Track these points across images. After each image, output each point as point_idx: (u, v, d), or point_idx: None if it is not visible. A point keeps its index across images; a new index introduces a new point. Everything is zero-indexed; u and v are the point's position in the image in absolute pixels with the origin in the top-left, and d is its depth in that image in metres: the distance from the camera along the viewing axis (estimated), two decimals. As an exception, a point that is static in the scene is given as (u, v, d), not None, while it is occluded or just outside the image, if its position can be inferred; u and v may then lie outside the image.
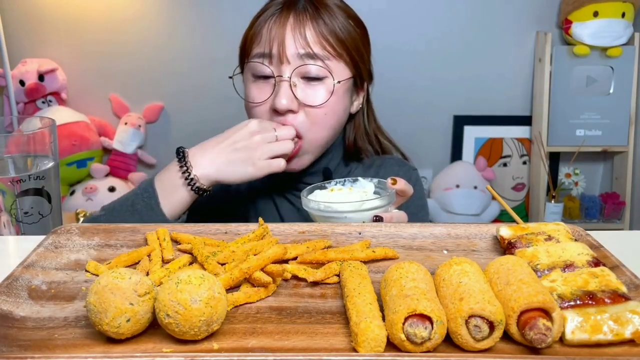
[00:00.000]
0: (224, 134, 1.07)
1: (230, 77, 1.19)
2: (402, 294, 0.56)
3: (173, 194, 1.02)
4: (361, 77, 1.19)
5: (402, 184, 0.95)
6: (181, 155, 1.04)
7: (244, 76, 1.18)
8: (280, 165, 1.05)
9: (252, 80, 1.14)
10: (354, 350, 0.54)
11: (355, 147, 1.25)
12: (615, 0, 2.52)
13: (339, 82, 1.11)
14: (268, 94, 1.11)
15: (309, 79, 1.10)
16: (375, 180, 0.99)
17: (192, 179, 1.02)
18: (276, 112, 1.10)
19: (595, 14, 2.52)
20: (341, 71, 1.12)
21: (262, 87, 1.12)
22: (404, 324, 0.53)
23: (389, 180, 0.94)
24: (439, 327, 0.52)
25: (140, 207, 1.01)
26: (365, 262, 0.71)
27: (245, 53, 1.16)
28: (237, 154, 1.04)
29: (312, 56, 1.09)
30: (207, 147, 1.06)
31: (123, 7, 2.57)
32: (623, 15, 2.54)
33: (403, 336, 0.52)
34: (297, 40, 1.08)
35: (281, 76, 1.09)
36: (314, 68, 1.09)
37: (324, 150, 1.19)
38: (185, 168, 1.02)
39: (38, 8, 2.55)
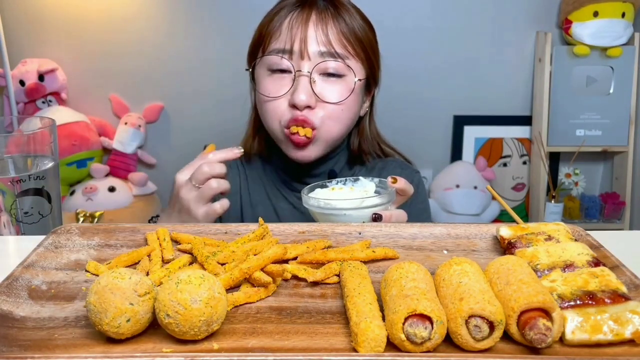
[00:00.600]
0: (172, 200, 1.08)
1: (247, 70, 1.19)
2: (402, 294, 0.56)
3: None
4: (374, 79, 1.20)
5: (402, 182, 0.95)
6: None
7: (257, 71, 1.17)
8: (216, 210, 1.02)
9: (268, 75, 1.14)
10: (354, 350, 0.54)
11: (360, 151, 1.26)
12: (615, 0, 2.52)
13: (359, 80, 1.13)
14: (286, 89, 1.11)
15: (328, 75, 1.11)
16: (377, 179, 0.99)
17: None
18: (294, 107, 1.10)
19: (595, 14, 2.52)
20: (359, 70, 1.14)
21: (279, 81, 1.12)
22: (404, 324, 0.53)
23: (389, 179, 0.95)
24: (439, 327, 0.52)
25: None
26: (365, 262, 0.71)
27: (260, 48, 1.16)
28: (183, 216, 1.04)
29: (333, 54, 1.10)
30: (168, 215, 1.09)
31: (123, 7, 2.57)
32: (623, 15, 2.54)
33: (403, 336, 0.52)
34: (320, 37, 1.10)
35: (300, 71, 1.09)
36: (334, 65, 1.10)
37: (333, 147, 1.19)
38: None
39: (38, 8, 2.55)
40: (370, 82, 1.20)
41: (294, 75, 1.10)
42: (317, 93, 1.10)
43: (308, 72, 1.09)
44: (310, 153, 1.15)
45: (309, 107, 1.10)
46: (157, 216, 1.13)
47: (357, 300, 0.58)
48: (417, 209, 1.23)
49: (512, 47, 2.70)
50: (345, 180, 1.01)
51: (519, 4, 2.64)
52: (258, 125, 1.25)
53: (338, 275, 0.69)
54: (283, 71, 1.12)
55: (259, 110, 1.19)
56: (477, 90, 2.73)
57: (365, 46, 1.14)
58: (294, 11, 1.12)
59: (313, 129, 1.11)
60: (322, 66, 1.10)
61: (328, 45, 1.10)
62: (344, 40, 1.11)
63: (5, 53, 2.40)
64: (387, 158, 1.30)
